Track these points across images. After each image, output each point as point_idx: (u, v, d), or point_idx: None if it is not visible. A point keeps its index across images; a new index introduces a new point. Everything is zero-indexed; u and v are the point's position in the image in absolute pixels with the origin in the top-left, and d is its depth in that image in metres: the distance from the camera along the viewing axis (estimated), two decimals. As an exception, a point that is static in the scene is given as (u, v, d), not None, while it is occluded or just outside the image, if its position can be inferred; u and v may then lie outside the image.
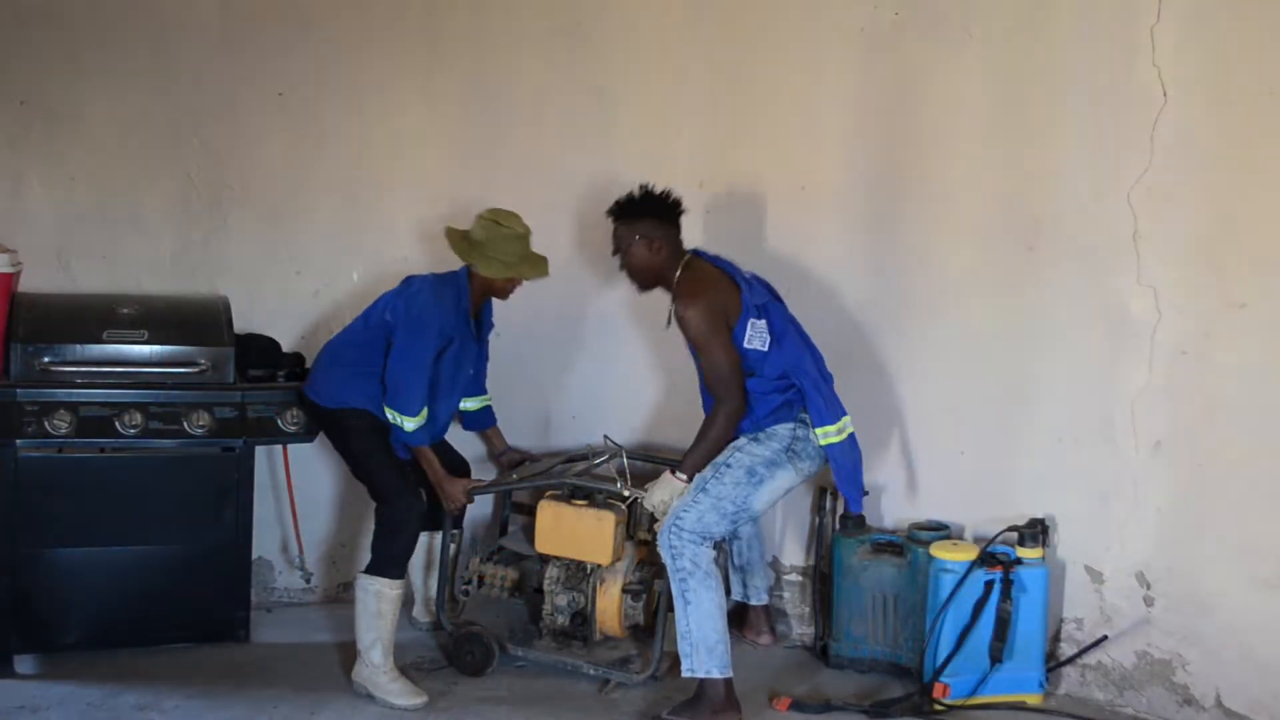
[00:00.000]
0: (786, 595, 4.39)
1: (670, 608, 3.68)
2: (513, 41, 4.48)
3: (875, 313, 4.18)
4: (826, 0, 4.16)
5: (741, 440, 3.70)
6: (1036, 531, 3.83)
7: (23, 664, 3.84)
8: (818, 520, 4.28)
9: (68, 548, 3.85)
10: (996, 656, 3.76)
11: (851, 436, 3.76)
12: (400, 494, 3.83)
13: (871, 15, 4.08)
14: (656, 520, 3.79)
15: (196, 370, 3.95)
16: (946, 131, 4.03)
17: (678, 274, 3.70)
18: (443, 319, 3.84)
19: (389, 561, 3.79)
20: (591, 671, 3.90)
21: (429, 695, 3.73)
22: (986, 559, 3.78)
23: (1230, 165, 3.56)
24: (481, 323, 4.11)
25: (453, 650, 3.99)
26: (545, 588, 4.02)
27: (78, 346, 3.85)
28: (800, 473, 3.72)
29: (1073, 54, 3.79)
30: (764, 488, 3.66)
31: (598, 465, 4.11)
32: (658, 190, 3.75)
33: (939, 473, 4.15)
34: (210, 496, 3.97)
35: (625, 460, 3.96)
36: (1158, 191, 3.66)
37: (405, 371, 3.80)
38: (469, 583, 4.10)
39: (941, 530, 4.02)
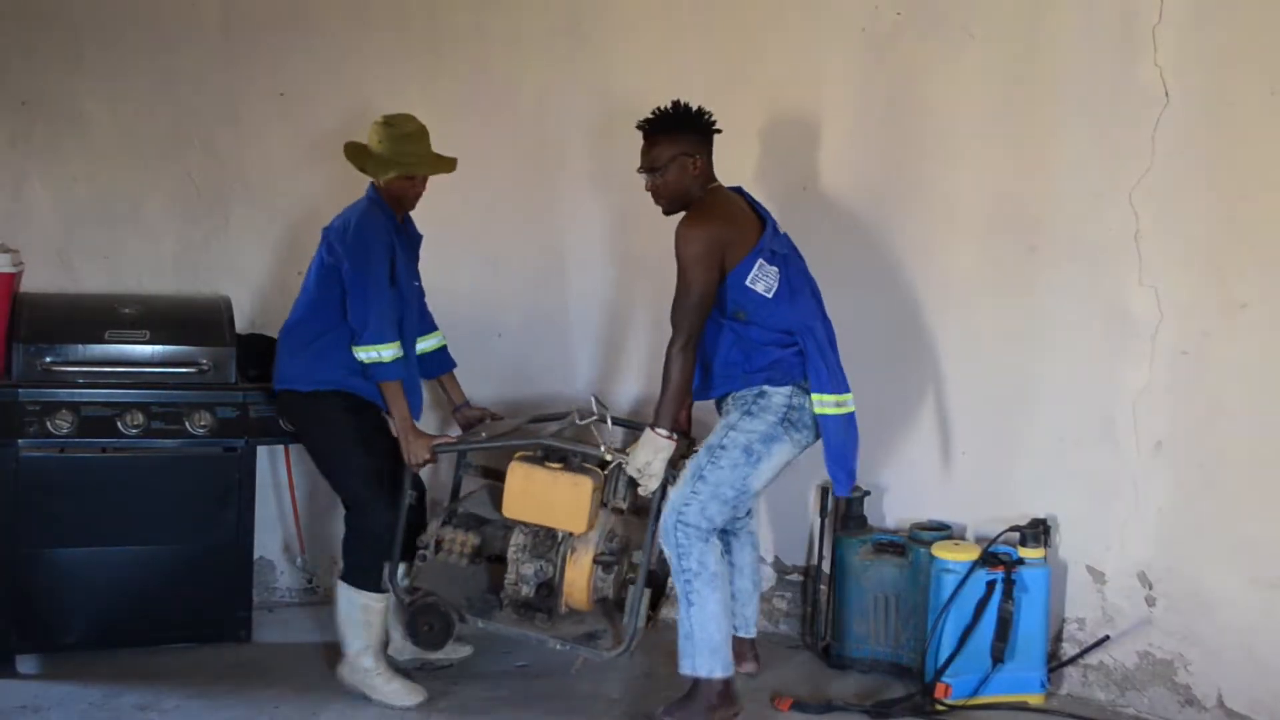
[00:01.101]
0: (787, 595, 4.39)
1: (654, 585, 3.56)
2: (513, 42, 4.49)
3: (876, 312, 4.17)
4: (828, 0, 4.17)
5: (733, 415, 3.51)
6: (1038, 531, 3.83)
7: (24, 664, 3.84)
8: (818, 520, 4.28)
9: (69, 548, 3.85)
10: (998, 656, 3.76)
11: (850, 417, 3.56)
12: (372, 503, 3.68)
13: (873, 15, 4.08)
14: (639, 486, 3.55)
15: (198, 370, 3.95)
16: (948, 131, 4.03)
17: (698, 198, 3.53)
18: (382, 229, 3.67)
19: (363, 572, 3.68)
20: (559, 646, 3.68)
21: (429, 694, 3.73)
22: (988, 559, 3.78)
23: (1232, 166, 3.56)
24: (409, 234, 3.90)
25: (409, 623, 3.74)
26: (510, 555, 3.70)
27: (79, 346, 3.86)
28: (797, 444, 3.53)
29: (1074, 54, 3.79)
30: (763, 465, 3.48)
31: (574, 426, 3.83)
32: (695, 107, 3.56)
33: (939, 473, 4.14)
34: (212, 496, 3.97)
35: (610, 422, 3.71)
36: (1159, 192, 3.66)
37: (368, 297, 3.60)
38: (425, 546, 3.77)
39: (943, 530, 4.02)
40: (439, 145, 3.94)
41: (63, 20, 4.34)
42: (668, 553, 3.49)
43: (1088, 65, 3.77)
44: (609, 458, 3.56)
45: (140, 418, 3.84)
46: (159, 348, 3.93)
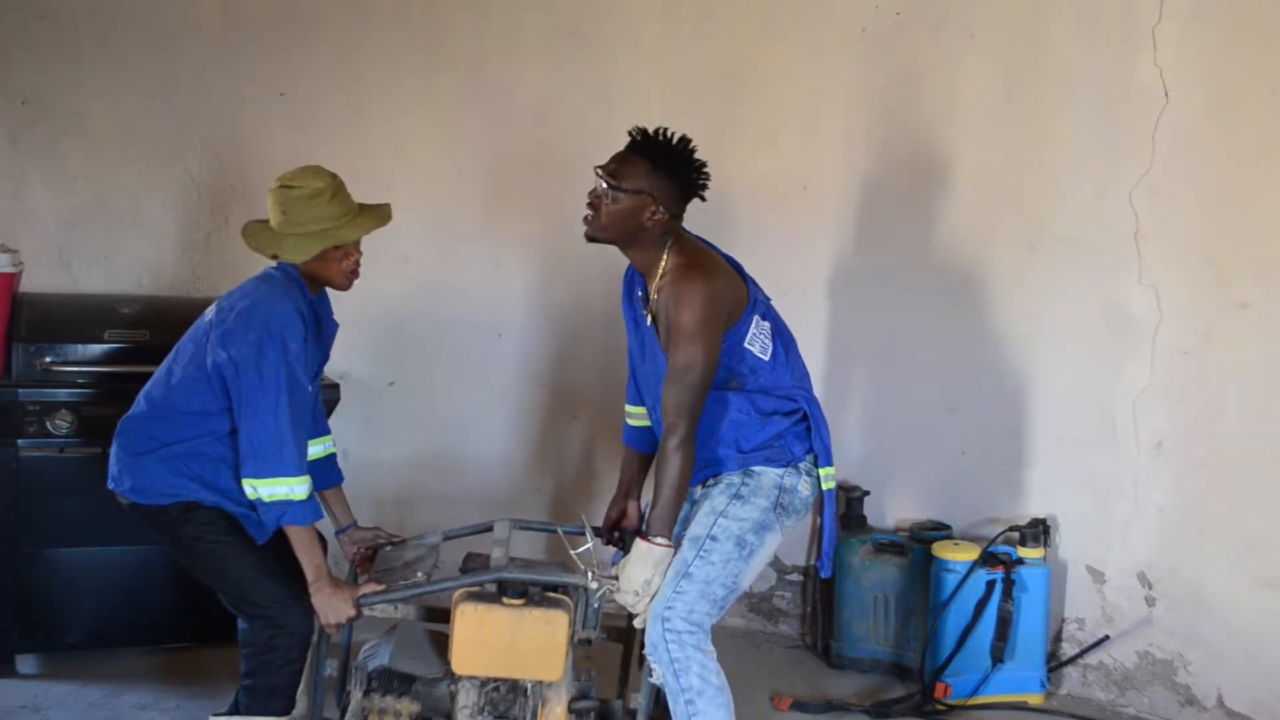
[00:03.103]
0: (787, 595, 4.39)
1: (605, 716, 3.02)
2: (513, 42, 4.49)
3: (876, 312, 4.17)
4: (829, 1, 4.17)
5: (718, 498, 2.91)
6: (1038, 531, 3.83)
7: (24, 663, 3.83)
8: (818, 520, 4.28)
9: (69, 547, 3.84)
10: (998, 656, 3.76)
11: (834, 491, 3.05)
12: (286, 608, 2.89)
13: (873, 15, 4.08)
14: (634, 616, 2.87)
15: (198, 370, 3.94)
16: (948, 131, 4.03)
17: (666, 249, 2.91)
18: (299, 322, 2.85)
19: (273, 693, 2.94)
20: None
21: None
22: (988, 559, 3.78)
23: (1232, 165, 3.56)
24: (322, 324, 3.07)
25: None
26: None
27: (79, 346, 3.85)
28: (785, 532, 2.98)
29: (1074, 54, 3.79)
30: (755, 559, 2.91)
31: (501, 544, 3.04)
32: (697, 157, 2.91)
33: (939, 473, 4.15)
34: (211, 496, 3.96)
35: (590, 534, 2.91)
36: (1159, 191, 3.67)
37: (278, 414, 2.77)
38: None
39: (943, 530, 4.02)
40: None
41: (63, 20, 4.34)
42: (659, 670, 2.85)
43: (1088, 65, 3.77)
44: (594, 585, 2.86)
45: (140, 418, 3.83)
46: (159, 348, 3.92)
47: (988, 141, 3.97)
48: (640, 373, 3.10)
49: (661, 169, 2.87)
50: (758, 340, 2.93)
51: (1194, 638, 3.69)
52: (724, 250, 3.04)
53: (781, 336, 3.00)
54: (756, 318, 2.93)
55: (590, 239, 2.95)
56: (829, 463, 2.98)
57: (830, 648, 4.12)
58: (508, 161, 4.48)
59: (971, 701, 3.78)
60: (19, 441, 3.74)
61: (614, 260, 4.44)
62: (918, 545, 3.96)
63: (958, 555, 3.81)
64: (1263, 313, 3.53)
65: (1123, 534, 3.81)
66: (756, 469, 2.93)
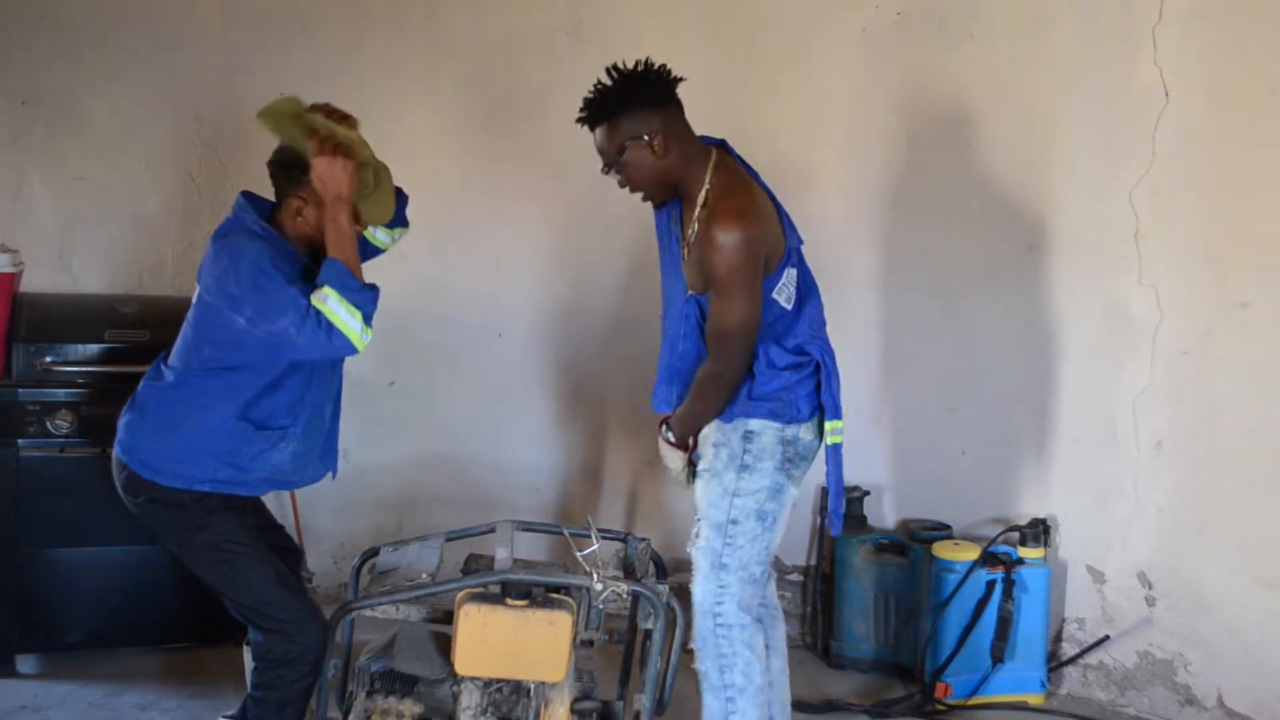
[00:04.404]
0: (787, 595, 4.39)
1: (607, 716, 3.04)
2: (513, 41, 4.49)
3: (875, 312, 4.17)
4: (829, 1, 4.17)
5: (727, 475, 2.90)
6: (1038, 531, 3.84)
7: (25, 663, 3.84)
8: (818, 520, 4.28)
9: (69, 548, 3.84)
10: (998, 656, 3.77)
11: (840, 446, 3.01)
12: (307, 618, 2.93)
13: (873, 15, 4.08)
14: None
15: (198, 370, 3.93)
16: (948, 131, 4.03)
17: (708, 176, 2.84)
18: (265, 244, 2.95)
19: (284, 705, 2.95)
20: None
21: None
22: (988, 559, 3.78)
23: (1232, 165, 3.56)
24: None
25: None
26: None
27: (79, 346, 3.85)
28: (797, 481, 2.99)
29: (1074, 54, 3.79)
30: (778, 523, 2.95)
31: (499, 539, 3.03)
32: (636, 67, 2.84)
33: (939, 473, 4.15)
34: (212, 496, 3.96)
35: (596, 535, 2.92)
36: (1159, 191, 3.67)
37: (277, 287, 2.84)
38: None
39: (943, 530, 4.02)
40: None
41: (63, 20, 4.34)
42: (704, 666, 2.91)
43: (1088, 65, 3.77)
44: (599, 586, 2.84)
45: (140, 418, 3.83)
46: (159, 348, 3.92)
47: (988, 141, 3.96)
48: (664, 287, 3.07)
49: (620, 113, 2.82)
50: (784, 291, 2.88)
51: (1194, 638, 3.69)
52: (753, 169, 2.99)
53: (803, 283, 2.95)
54: (788, 268, 2.89)
55: (659, 204, 2.96)
56: (837, 416, 2.93)
57: (830, 648, 4.12)
58: (508, 161, 4.47)
59: (971, 701, 3.78)
60: (19, 441, 3.75)
61: (613, 261, 4.46)
62: (918, 545, 3.96)
63: (958, 555, 3.81)
64: (1263, 313, 3.53)
65: (1123, 534, 3.82)
66: (755, 429, 2.89)
